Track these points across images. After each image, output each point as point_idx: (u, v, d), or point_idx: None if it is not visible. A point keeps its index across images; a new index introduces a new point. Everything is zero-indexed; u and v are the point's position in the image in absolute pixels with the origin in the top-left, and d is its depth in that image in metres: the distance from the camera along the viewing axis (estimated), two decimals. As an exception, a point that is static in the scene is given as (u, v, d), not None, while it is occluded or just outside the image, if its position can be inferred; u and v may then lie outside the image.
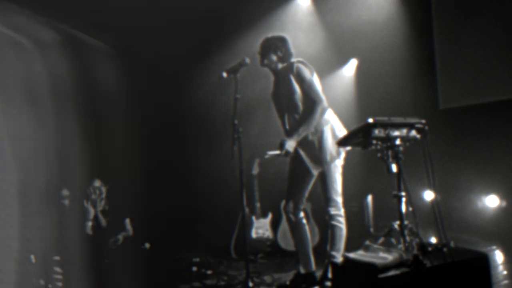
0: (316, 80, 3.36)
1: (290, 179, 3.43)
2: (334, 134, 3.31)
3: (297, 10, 6.24)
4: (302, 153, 3.31)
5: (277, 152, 3.30)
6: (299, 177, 3.37)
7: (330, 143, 3.28)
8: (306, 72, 3.30)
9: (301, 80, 3.29)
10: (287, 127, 3.41)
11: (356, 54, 6.48)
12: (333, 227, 3.31)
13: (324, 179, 3.34)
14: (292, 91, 3.32)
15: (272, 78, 3.57)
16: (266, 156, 3.39)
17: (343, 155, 3.38)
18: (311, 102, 3.26)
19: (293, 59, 3.39)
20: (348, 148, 3.35)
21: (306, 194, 3.41)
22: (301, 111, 3.32)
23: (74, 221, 3.78)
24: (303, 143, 3.31)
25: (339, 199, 3.35)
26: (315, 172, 3.30)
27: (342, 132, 3.34)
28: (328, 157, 3.27)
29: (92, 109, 4.43)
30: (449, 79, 5.83)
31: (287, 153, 3.24)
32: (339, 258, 3.25)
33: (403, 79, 5.78)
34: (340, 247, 3.30)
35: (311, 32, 6.23)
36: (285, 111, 3.42)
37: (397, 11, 5.98)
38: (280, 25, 5.76)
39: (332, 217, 3.31)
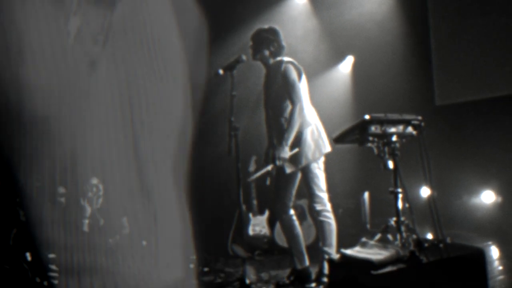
0: (303, 82, 3.37)
1: (275, 177, 3.48)
2: (313, 138, 3.33)
3: (294, 7, 6.24)
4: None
5: (268, 168, 3.30)
6: (281, 176, 3.40)
7: (307, 146, 3.29)
8: (292, 73, 3.31)
9: (285, 80, 3.31)
10: (269, 122, 3.47)
11: (353, 51, 6.48)
12: (322, 223, 3.32)
13: (305, 176, 3.34)
14: (279, 88, 3.35)
15: (264, 70, 3.58)
16: (251, 179, 3.37)
17: (322, 159, 3.38)
18: (290, 102, 3.30)
19: (284, 58, 3.38)
20: (329, 150, 3.36)
21: (293, 192, 3.45)
22: (282, 110, 3.35)
23: (70, 219, 3.76)
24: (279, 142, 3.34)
25: (323, 194, 3.34)
26: (288, 170, 3.31)
27: (321, 137, 3.35)
28: (303, 160, 3.28)
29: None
30: (446, 75, 5.85)
31: (282, 163, 3.22)
32: (333, 253, 3.26)
33: (399, 76, 5.78)
34: (332, 242, 3.31)
35: (308, 29, 6.23)
36: (269, 107, 3.46)
37: (394, 8, 5.99)
38: (277, 21, 5.75)
39: (318, 213, 3.32)
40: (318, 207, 3.31)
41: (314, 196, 3.32)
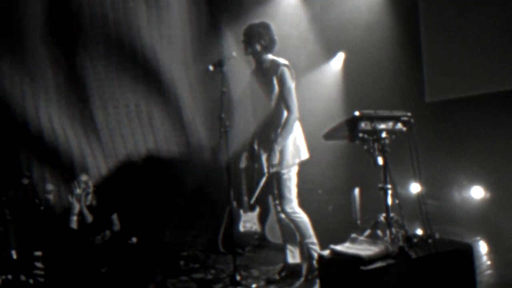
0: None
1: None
2: (295, 144, 3.35)
3: (286, 3, 6.23)
4: (262, 152, 3.36)
5: (263, 180, 3.34)
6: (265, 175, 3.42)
7: (289, 151, 3.31)
8: (288, 78, 3.33)
9: (282, 83, 3.32)
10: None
11: (344, 47, 6.50)
12: (295, 222, 3.36)
13: (279, 178, 3.35)
14: (272, 89, 3.35)
15: (253, 64, 3.57)
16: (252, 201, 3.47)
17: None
18: (286, 108, 3.31)
19: (281, 61, 3.37)
20: (307, 156, 3.38)
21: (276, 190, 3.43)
22: (274, 109, 3.34)
23: (58, 216, 3.74)
24: (265, 144, 3.36)
25: (293, 197, 3.35)
26: (267, 172, 3.32)
27: (302, 143, 3.39)
28: (284, 164, 3.30)
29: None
30: (435, 72, 5.88)
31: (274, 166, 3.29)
32: (315, 242, 3.34)
33: (390, 73, 5.81)
34: (309, 233, 3.36)
35: (299, 25, 6.24)
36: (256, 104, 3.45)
37: (384, 4, 6.00)
38: (269, 18, 5.74)
39: (288, 214, 3.35)
40: (288, 208, 3.33)
41: (284, 198, 3.34)
